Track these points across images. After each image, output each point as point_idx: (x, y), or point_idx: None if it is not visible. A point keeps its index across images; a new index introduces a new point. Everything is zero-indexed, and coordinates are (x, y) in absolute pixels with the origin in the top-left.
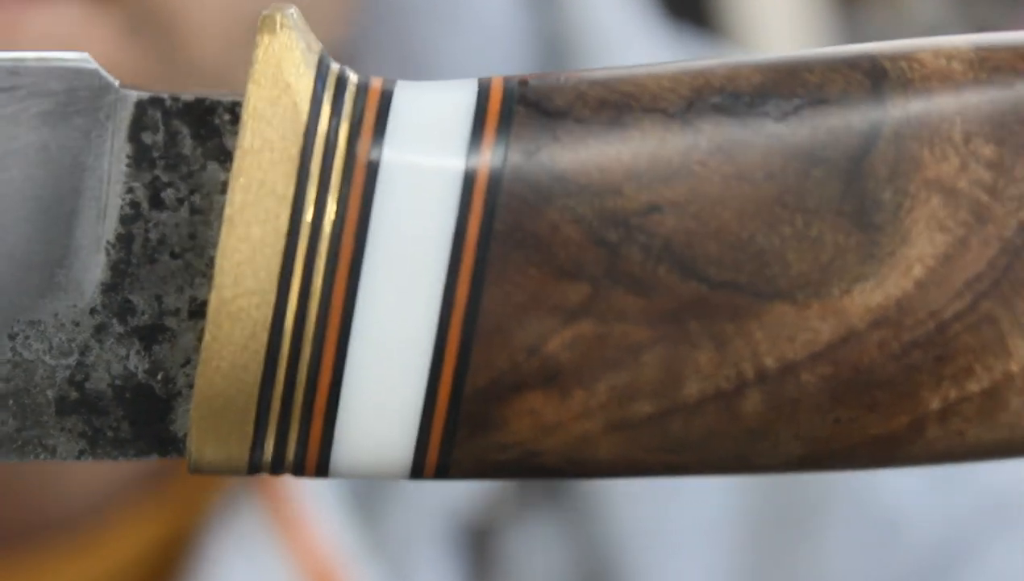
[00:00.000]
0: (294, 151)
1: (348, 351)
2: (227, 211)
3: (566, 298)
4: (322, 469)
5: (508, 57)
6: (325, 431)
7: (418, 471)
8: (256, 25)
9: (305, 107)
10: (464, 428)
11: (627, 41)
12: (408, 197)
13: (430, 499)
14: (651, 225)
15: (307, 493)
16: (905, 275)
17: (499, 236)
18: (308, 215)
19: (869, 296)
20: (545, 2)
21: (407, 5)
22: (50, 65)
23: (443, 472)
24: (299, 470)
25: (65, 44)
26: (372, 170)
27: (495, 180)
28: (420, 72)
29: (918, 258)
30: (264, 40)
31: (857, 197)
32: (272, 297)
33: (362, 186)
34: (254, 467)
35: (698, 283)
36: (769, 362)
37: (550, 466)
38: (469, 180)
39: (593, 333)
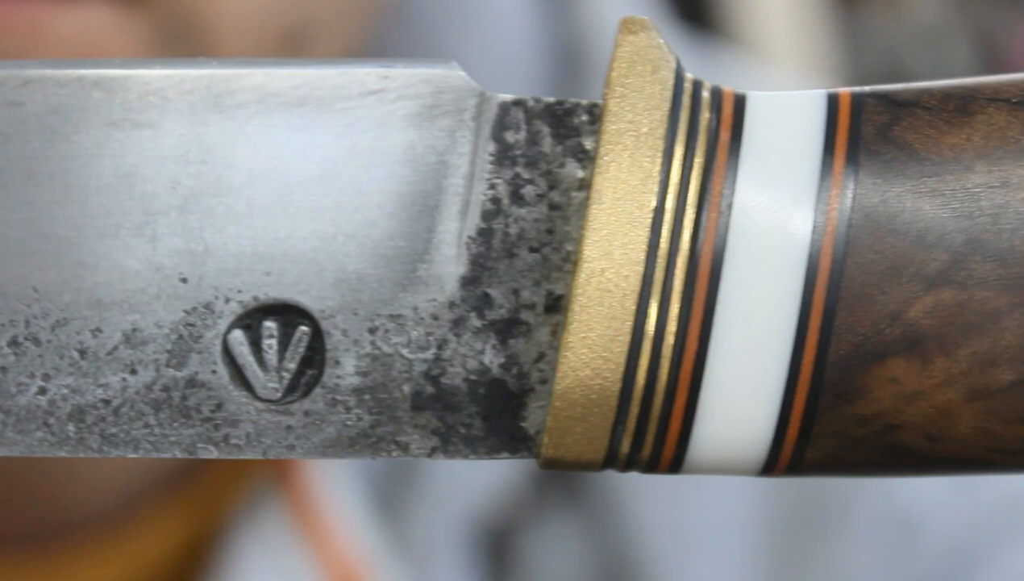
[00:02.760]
0: (660, 133)
1: (713, 320)
2: (596, 188)
3: (926, 266)
4: (679, 459)
5: (523, 60)
6: (687, 408)
7: (777, 446)
8: (285, 35)
9: (668, 95)
10: (826, 397)
11: None
12: (769, 175)
13: (451, 500)
14: (1004, 198)
15: (330, 493)
16: None
17: (859, 208)
18: (674, 190)
19: None
20: (558, 6)
21: (425, 12)
22: (419, 69)
23: (799, 455)
24: (655, 462)
25: (92, 48)
26: (734, 152)
27: (852, 157)
28: None
29: None
30: (628, 39)
31: None
32: (640, 268)
33: (724, 166)
34: (610, 458)
35: None
36: None
37: (906, 443)
38: (828, 158)
39: (953, 299)
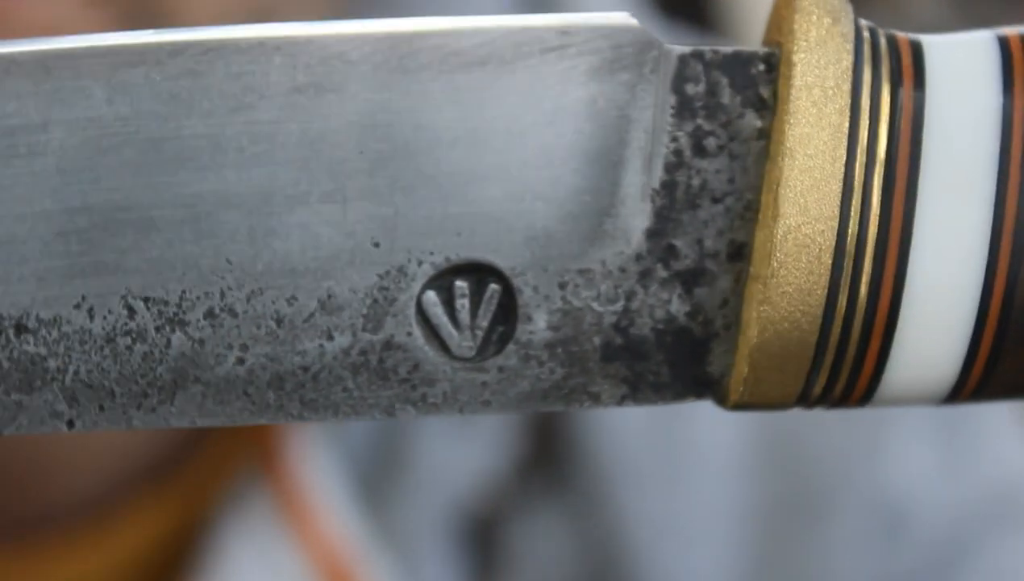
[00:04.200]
0: (846, 87)
1: (907, 269)
2: (787, 145)
3: None
4: (867, 396)
5: None
6: (881, 353)
7: (959, 389)
8: (249, 18)
9: (850, 47)
10: (1011, 338)
11: None
12: (955, 122)
13: (437, 489)
14: None
15: (316, 483)
16: None
17: None
18: (863, 143)
19: None
20: (541, 4)
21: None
22: (598, 24)
23: (986, 379)
24: (844, 400)
25: (59, 33)
26: (919, 101)
27: None
28: None
29: None
30: None
31: None
32: (835, 222)
33: (910, 116)
34: (802, 399)
35: None
36: None
37: None
38: (1008, 97)
39: None
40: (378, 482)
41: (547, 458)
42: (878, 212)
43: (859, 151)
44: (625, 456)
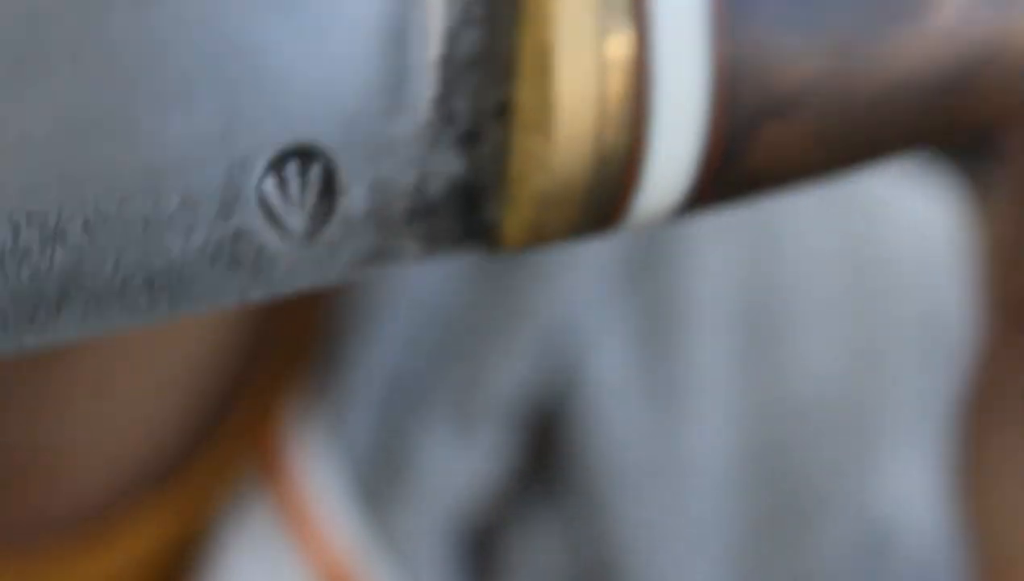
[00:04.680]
0: None
1: (651, 108)
2: (537, 10)
3: None
4: (623, 219)
5: None
6: (635, 180)
7: (695, 199)
8: None
9: None
10: (732, 156)
11: None
12: None
13: (437, 497)
14: None
15: (318, 490)
16: None
17: None
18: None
19: None
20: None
21: None
22: None
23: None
24: (604, 225)
25: None
26: None
27: None
28: None
29: None
30: None
31: None
32: (592, 78)
33: None
34: (573, 232)
35: None
36: None
37: None
38: None
39: None
40: (379, 488)
41: (544, 466)
42: (623, 65)
43: (600, 12)
44: (622, 466)
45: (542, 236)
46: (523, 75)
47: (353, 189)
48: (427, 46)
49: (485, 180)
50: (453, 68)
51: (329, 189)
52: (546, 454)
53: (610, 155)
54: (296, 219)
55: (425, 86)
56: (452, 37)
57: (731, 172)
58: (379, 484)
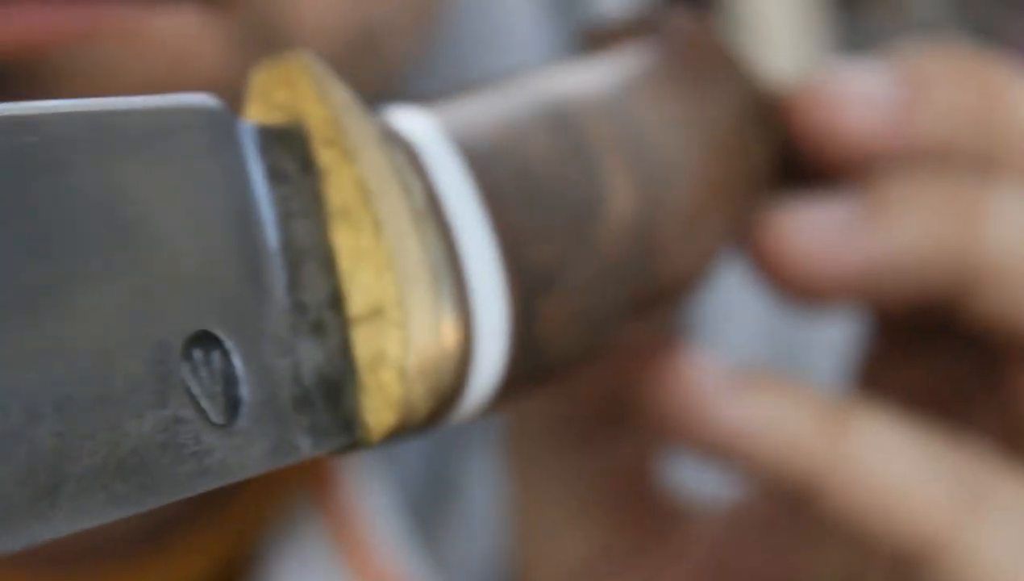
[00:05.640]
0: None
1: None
2: (335, 209)
3: None
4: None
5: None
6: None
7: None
8: (357, 35)
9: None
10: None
11: None
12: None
13: (485, 521)
14: None
15: (369, 512)
16: None
17: None
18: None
19: None
20: (566, 14)
21: (453, 31)
22: (173, 107)
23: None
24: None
25: (181, 50)
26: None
27: None
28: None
29: None
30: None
31: None
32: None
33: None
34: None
35: None
36: None
37: None
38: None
39: None
40: (429, 511)
41: None
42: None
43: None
44: None
45: (405, 424)
46: (344, 270)
47: (246, 376)
48: (266, 233)
49: (339, 371)
50: (292, 257)
51: (230, 377)
52: None
53: (445, 374)
54: (212, 407)
55: (277, 273)
56: (283, 227)
57: (529, 357)
58: (429, 507)
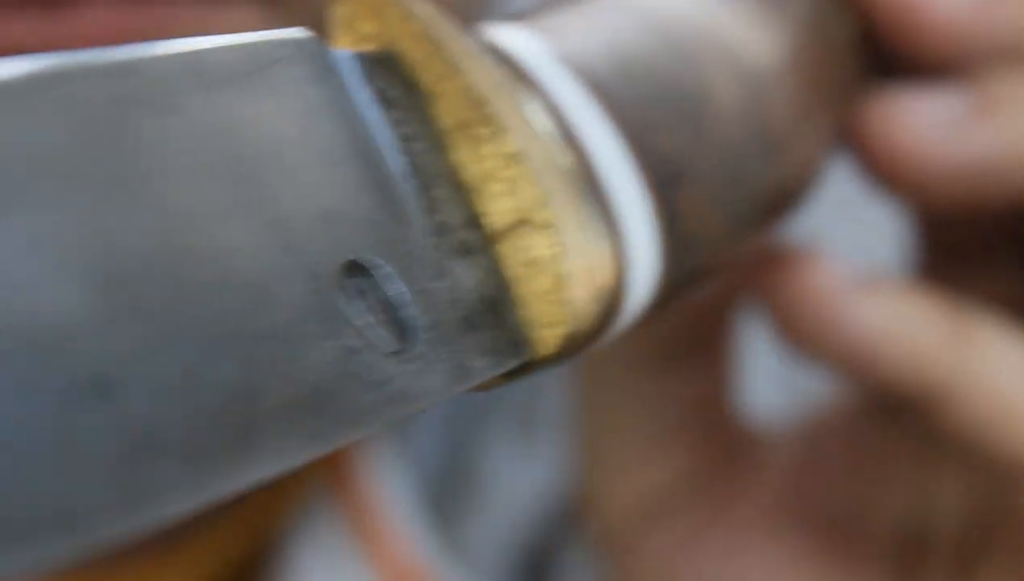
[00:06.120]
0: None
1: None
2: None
3: None
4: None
5: None
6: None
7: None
8: None
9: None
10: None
11: None
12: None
13: (502, 513)
14: None
15: (387, 501)
16: None
17: None
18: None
19: None
20: None
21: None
22: (271, 39)
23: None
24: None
25: None
26: None
27: None
28: None
29: None
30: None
31: None
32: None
33: None
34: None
35: None
36: None
37: None
38: None
39: None
40: (446, 498)
41: None
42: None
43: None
44: None
45: (573, 333)
46: (482, 189)
47: (410, 301)
48: (389, 159)
49: (497, 289)
50: (420, 180)
51: (392, 304)
52: None
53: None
54: (383, 335)
55: (410, 198)
56: (404, 151)
57: (678, 250)
58: (446, 494)
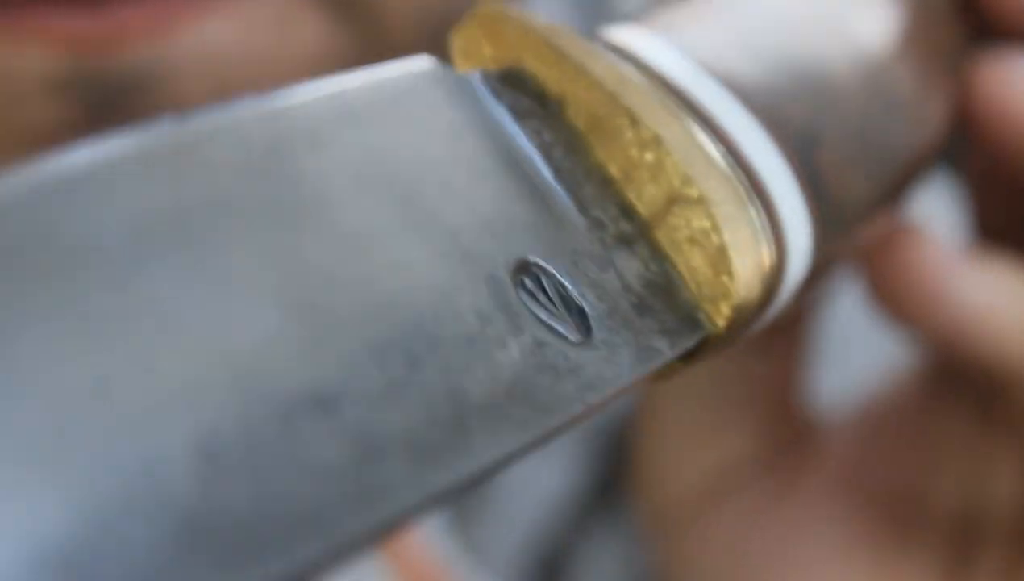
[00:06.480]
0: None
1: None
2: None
3: None
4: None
5: None
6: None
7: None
8: (439, 26)
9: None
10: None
11: None
12: None
13: (518, 508)
14: None
15: None
16: None
17: None
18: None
19: None
20: (596, 15)
21: None
22: (401, 73)
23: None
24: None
25: (277, 28)
26: None
27: None
28: None
29: None
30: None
31: None
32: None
33: None
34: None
35: None
36: None
37: None
38: None
39: None
40: (464, 500)
41: (618, 484)
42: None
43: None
44: None
45: (743, 304)
46: (633, 177)
47: (583, 292)
48: (536, 165)
49: (661, 272)
50: (568, 182)
51: (567, 297)
52: (616, 471)
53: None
54: (565, 326)
55: (562, 199)
56: (547, 157)
57: (826, 211)
58: (468, 495)
